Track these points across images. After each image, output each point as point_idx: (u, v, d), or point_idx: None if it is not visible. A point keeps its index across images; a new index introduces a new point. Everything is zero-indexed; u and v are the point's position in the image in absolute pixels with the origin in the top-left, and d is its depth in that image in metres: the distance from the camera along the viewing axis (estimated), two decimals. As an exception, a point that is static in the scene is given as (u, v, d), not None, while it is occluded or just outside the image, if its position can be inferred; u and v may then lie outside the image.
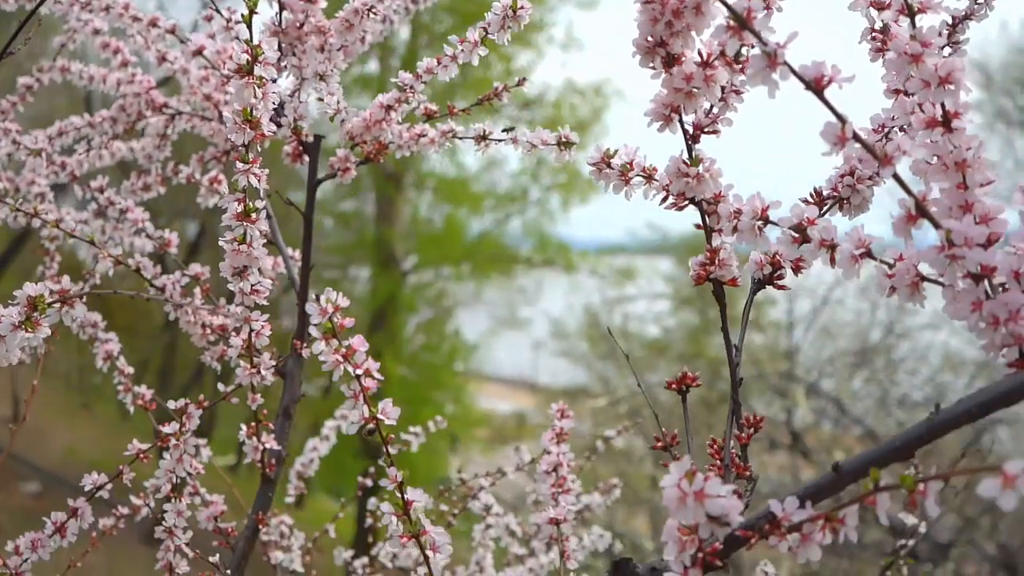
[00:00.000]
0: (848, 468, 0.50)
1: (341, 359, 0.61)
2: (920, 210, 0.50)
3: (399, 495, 0.63)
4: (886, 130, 0.68)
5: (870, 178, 0.66)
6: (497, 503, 1.35)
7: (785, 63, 0.49)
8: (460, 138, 0.94)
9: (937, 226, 0.50)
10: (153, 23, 1.07)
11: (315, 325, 0.60)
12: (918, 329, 6.65)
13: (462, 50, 0.87)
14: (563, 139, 0.81)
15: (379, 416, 0.62)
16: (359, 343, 0.61)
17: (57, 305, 0.63)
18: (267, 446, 0.95)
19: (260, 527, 0.96)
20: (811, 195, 0.67)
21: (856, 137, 0.49)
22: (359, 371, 0.61)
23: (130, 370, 1.08)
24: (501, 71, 11.34)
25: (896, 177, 0.50)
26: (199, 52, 1.03)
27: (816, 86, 0.49)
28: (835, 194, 0.67)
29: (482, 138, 0.92)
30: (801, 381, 5.68)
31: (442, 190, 11.78)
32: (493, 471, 1.32)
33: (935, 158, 0.53)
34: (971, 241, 0.49)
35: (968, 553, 6.04)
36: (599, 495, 1.41)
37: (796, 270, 0.66)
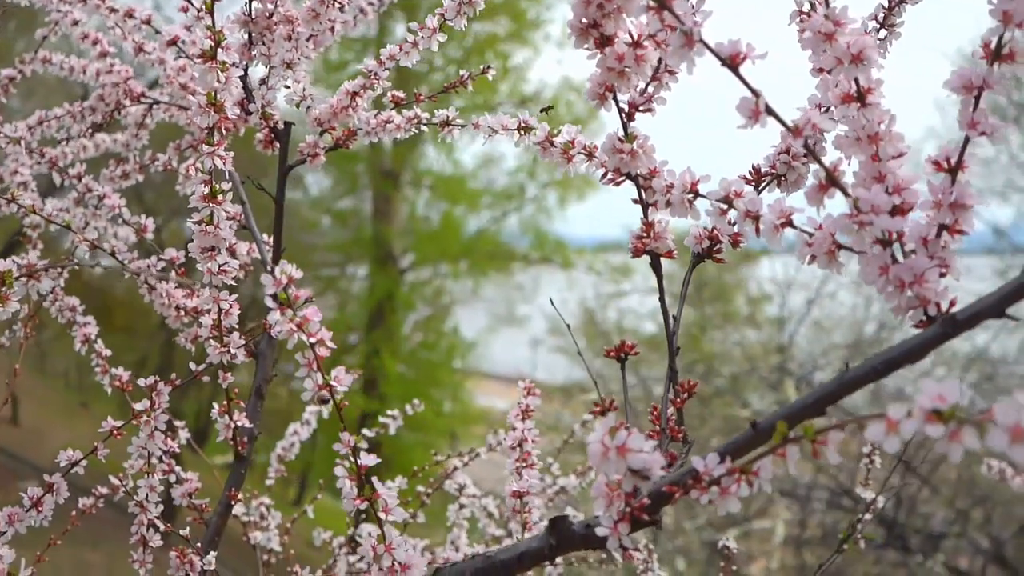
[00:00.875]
0: (763, 426, 0.53)
1: (295, 328, 0.63)
2: (831, 179, 0.53)
3: (352, 460, 0.66)
4: (823, 109, 0.70)
5: (805, 156, 0.68)
6: (475, 486, 1.38)
7: (701, 41, 0.52)
8: (426, 124, 0.97)
9: (847, 195, 0.53)
10: (129, 14, 1.09)
11: (270, 296, 0.63)
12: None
13: (422, 36, 0.90)
14: (522, 125, 0.84)
15: (332, 383, 0.65)
16: (313, 313, 0.64)
17: (24, 279, 0.66)
18: (239, 424, 0.98)
19: (232, 503, 0.99)
20: (749, 172, 0.70)
21: (769, 111, 0.52)
22: (313, 340, 0.64)
23: (107, 352, 1.11)
24: (498, 68, 11.39)
25: (807, 147, 0.53)
26: (173, 42, 1.05)
27: (732, 63, 0.52)
28: (772, 171, 0.70)
29: (445, 124, 0.95)
30: (793, 375, 5.72)
31: (439, 188, 11.81)
32: (468, 453, 1.35)
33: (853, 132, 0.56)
34: (878, 208, 0.52)
35: (961, 547, 6.07)
36: (575, 477, 1.44)
37: (735, 244, 0.68)
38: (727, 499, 0.53)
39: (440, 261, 11.65)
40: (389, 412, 1.41)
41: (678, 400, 0.65)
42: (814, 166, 0.63)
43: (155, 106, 1.20)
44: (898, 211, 0.54)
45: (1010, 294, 0.48)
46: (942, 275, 0.53)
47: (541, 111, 0.81)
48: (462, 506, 1.29)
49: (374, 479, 0.66)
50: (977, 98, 0.53)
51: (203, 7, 0.94)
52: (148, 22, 1.11)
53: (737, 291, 10.15)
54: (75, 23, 1.20)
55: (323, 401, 0.65)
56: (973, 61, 0.54)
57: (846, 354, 6.56)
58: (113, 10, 1.09)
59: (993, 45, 0.53)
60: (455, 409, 10.49)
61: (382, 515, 0.66)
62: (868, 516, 1.08)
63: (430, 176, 11.89)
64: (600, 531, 0.56)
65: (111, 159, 1.22)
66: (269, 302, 0.63)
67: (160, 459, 0.95)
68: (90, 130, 1.18)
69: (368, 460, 0.66)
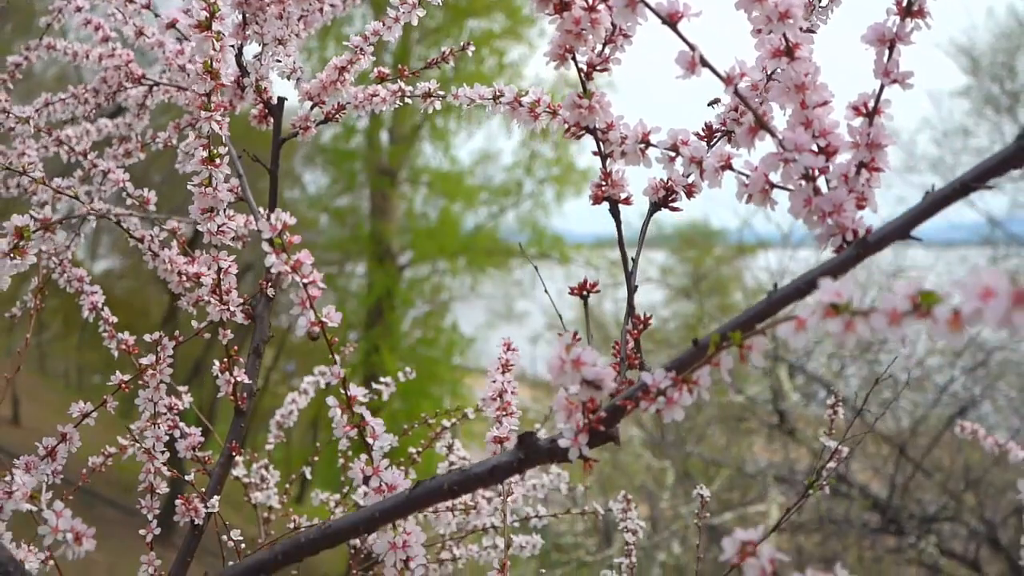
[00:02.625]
0: (703, 343, 0.60)
1: (290, 270, 0.70)
2: (759, 122, 0.60)
3: (343, 391, 0.73)
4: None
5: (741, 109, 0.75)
6: (464, 449, 1.45)
7: (643, 2, 0.58)
8: (410, 97, 1.04)
9: (774, 136, 0.60)
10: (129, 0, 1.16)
11: (266, 240, 0.69)
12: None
13: (403, 11, 0.96)
14: (497, 93, 0.91)
15: (324, 319, 0.72)
16: (306, 256, 0.71)
17: (40, 232, 0.73)
18: (239, 380, 1.04)
19: (234, 454, 1.06)
20: (702, 128, 0.77)
21: (703, 62, 0.59)
22: (306, 280, 0.70)
23: (114, 319, 1.17)
24: (494, 65, 11.45)
25: (738, 94, 0.60)
26: (172, 25, 1.12)
27: (671, 20, 0.59)
28: (723, 127, 0.76)
29: (428, 95, 1.01)
30: (784, 361, 5.79)
31: (436, 184, 11.87)
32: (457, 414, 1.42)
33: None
34: (801, 147, 0.59)
35: (955, 530, 6.14)
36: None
37: (688, 194, 0.75)
38: (672, 408, 0.60)
39: (438, 258, 11.72)
40: (382, 379, 1.48)
41: (635, 331, 0.71)
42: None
43: (155, 87, 1.26)
44: (824, 152, 0.61)
45: (914, 217, 0.55)
46: (860, 207, 0.60)
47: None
48: (451, 464, 1.35)
49: (364, 410, 0.73)
50: (891, 49, 0.60)
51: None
52: (148, 6, 1.17)
53: (734, 285, 10.23)
54: (78, 9, 1.26)
55: (313, 337, 0.72)
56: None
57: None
58: (116, -5, 1.16)
59: (904, 3, 0.60)
60: (454, 405, 10.56)
61: (370, 440, 0.73)
62: (832, 464, 1.15)
63: (427, 173, 11.96)
64: (562, 443, 0.63)
65: (114, 140, 1.29)
66: (266, 247, 0.70)
67: (165, 413, 1.02)
68: (93, 112, 1.25)
69: (357, 392, 0.73)
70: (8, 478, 0.73)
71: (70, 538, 0.64)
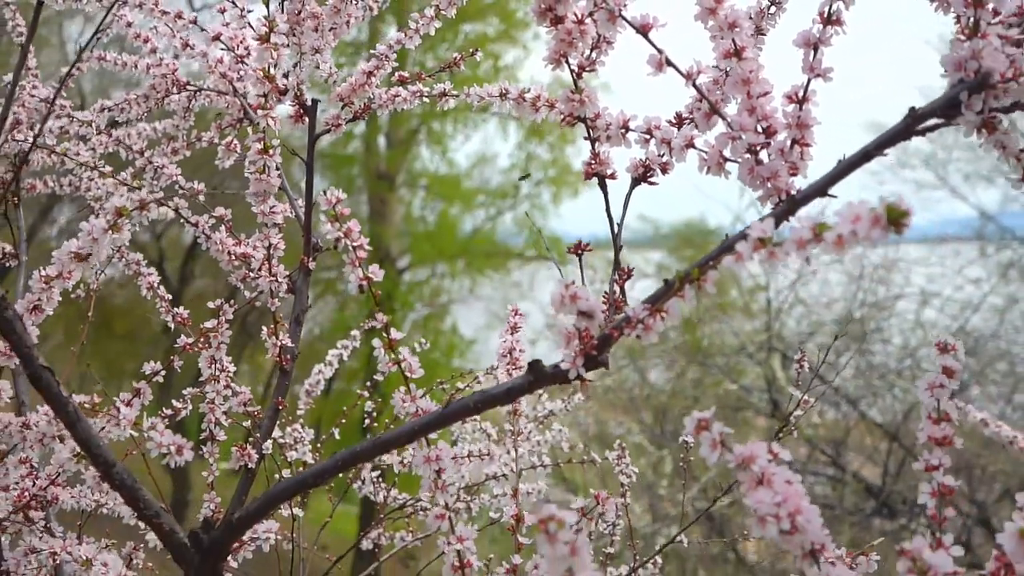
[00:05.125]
0: (672, 281, 0.76)
1: (343, 235, 0.87)
2: (713, 110, 0.77)
3: (386, 335, 0.90)
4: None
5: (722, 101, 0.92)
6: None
7: (621, 16, 0.75)
8: (427, 97, 1.21)
9: (724, 119, 0.77)
10: (179, 16, 1.33)
11: (323, 211, 0.86)
12: (890, 300, 6.94)
13: (422, 23, 1.13)
14: (503, 91, 1.07)
15: (370, 275, 0.88)
16: (355, 225, 0.88)
17: (138, 210, 0.89)
18: (284, 343, 1.21)
19: (279, 407, 1.22)
20: (674, 116, 0.94)
21: (668, 63, 0.76)
22: (355, 244, 0.87)
23: (169, 296, 1.34)
24: (489, 68, 11.63)
25: (696, 87, 0.77)
26: (217, 38, 1.29)
27: (643, 30, 0.76)
28: (690, 115, 0.93)
29: (443, 95, 1.18)
30: (777, 351, 5.97)
31: (434, 187, 12.04)
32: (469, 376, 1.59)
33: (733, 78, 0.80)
34: (745, 128, 0.76)
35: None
36: (560, 401, 1.68)
37: (663, 171, 0.92)
38: (649, 334, 0.77)
39: (437, 261, 11.88)
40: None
41: (620, 280, 0.88)
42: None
43: (198, 93, 1.43)
44: (765, 132, 0.78)
45: (829, 180, 0.72)
46: (793, 174, 0.77)
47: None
48: (464, 420, 1.52)
49: (405, 350, 0.90)
50: (815, 50, 0.77)
51: (243, 7, 1.18)
52: (194, 22, 1.34)
53: (731, 283, 10.41)
54: (129, 25, 1.43)
55: (362, 290, 0.89)
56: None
57: (833, 328, 6.82)
58: (165, 12, 1.33)
59: (826, 12, 0.77)
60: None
61: (407, 374, 0.90)
62: (800, 412, 1.31)
63: (425, 177, 12.13)
64: (563, 366, 0.80)
65: (163, 138, 1.46)
66: (323, 217, 0.87)
67: (222, 369, 1.19)
68: (145, 114, 1.41)
69: (396, 335, 0.90)
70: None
71: (173, 450, 0.80)
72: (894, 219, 0.54)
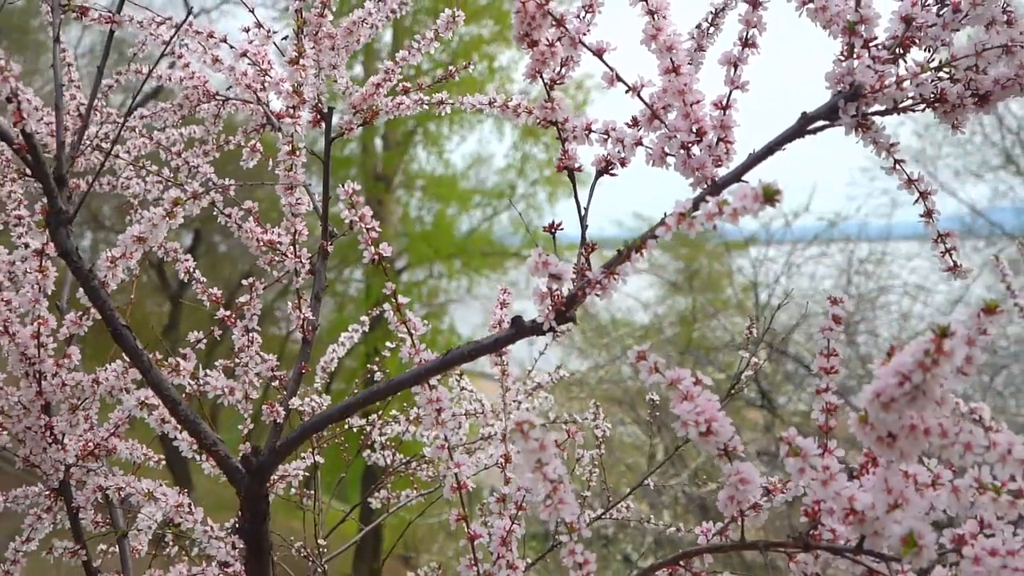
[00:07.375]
0: (623, 250, 0.97)
1: (358, 220, 1.07)
2: (654, 115, 0.97)
3: (394, 300, 1.10)
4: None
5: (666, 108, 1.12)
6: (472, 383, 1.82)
7: (581, 42, 0.96)
8: (428, 104, 1.41)
9: (663, 123, 0.97)
10: (210, 35, 1.53)
11: (341, 200, 1.06)
12: (875, 292, 7.16)
13: (424, 43, 1.34)
14: (491, 100, 1.28)
15: (380, 252, 1.09)
16: (367, 210, 1.08)
17: (191, 200, 1.10)
18: (306, 316, 1.41)
19: (303, 372, 1.43)
20: (631, 119, 1.14)
21: (618, 78, 0.96)
22: (368, 226, 1.08)
23: (204, 280, 1.55)
24: (484, 70, 11.82)
25: (640, 97, 0.97)
26: (244, 54, 1.49)
27: (598, 53, 0.96)
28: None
29: (441, 103, 1.39)
30: (764, 341, 6.18)
31: (431, 188, 12.23)
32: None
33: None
34: (679, 128, 0.96)
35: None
36: (547, 375, 1.88)
37: (622, 164, 1.12)
38: (607, 293, 0.97)
39: (434, 261, 12.07)
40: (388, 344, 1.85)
41: (586, 251, 1.09)
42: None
43: (226, 102, 1.63)
44: (696, 132, 0.98)
45: (740, 170, 0.92)
46: (718, 165, 0.97)
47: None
48: (462, 388, 1.72)
49: (408, 312, 1.10)
50: (735, 67, 0.97)
51: (269, 30, 1.38)
52: (224, 40, 1.54)
53: (726, 281, 10.62)
54: (165, 43, 1.63)
55: (375, 263, 1.09)
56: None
57: (821, 321, 7.03)
58: (198, 32, 1.53)
59: (744, 38, 0.97)
60: (455, 400, 10.88)
61: (413, 331, 1.10)
62: (750, 372, 1.51)
63: (422, 178, 12.32)
64: (539, 319, 1.00)
65: (195, 142, 1.66)
66: (341, 204, 1.07)
67: (252, 340, 1.39)
68: (180, 120, 1.62)
69: (403, 300, 1.10)
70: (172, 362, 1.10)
71: (226, 391, 1.00)
72: (769, 196, 0.74)
